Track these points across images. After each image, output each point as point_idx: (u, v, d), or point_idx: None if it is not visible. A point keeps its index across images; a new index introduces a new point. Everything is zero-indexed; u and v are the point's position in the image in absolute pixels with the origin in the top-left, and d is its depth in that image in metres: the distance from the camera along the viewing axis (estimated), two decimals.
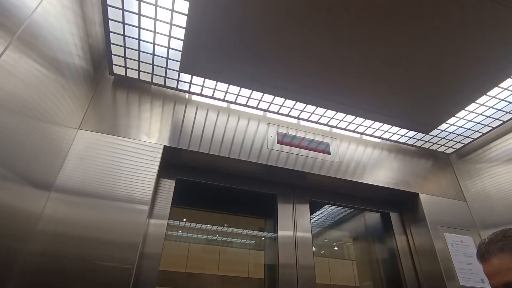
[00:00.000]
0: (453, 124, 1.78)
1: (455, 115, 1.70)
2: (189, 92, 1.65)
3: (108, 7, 1.21)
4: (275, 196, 1.82)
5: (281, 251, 1.63)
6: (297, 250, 1.67)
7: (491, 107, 1.64)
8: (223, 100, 1.69)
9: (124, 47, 1.39)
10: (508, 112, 1.66)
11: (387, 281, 1.91)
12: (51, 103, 1.07)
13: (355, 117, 1.75)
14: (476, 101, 1.60)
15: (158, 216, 1.49)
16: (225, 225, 2.40)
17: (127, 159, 1.39)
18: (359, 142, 1.98)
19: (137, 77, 1.56)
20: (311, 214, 1.84)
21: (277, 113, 1.77)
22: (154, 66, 1.49)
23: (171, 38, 1.34)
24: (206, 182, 1.73)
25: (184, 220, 2.19)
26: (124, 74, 1.55)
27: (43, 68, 0.97)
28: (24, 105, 0.89)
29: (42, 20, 0.89)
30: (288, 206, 1.80)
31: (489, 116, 1.70)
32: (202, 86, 1.60)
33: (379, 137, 1.96)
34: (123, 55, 1.43)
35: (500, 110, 1.65)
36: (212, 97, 1.68)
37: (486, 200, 1.85)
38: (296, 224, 1.75)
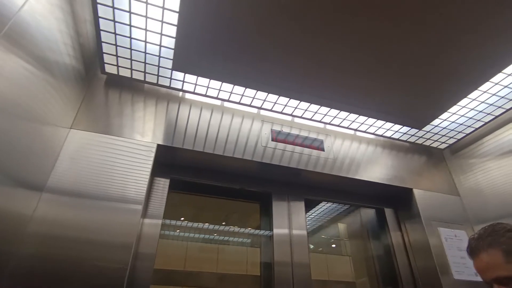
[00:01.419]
0: (446, 120, 1.79)
1: (448, 110, 1.71)
2: (182, 90, 1.64)
3: (98, 5, 1.19)
4: (269, 194, 1.81)
5: (276, 249, 1.64)
6: (292, 248, 1.67)
7: (483, 102, 1.65)
8: (217, 98, 1.69)
9: (116, 45, 1.37)
10: (500, 107, 1.67)
11: (383, 277, 1.92)
12: (40, 102, 1.05)
13: (348, 113, 1.75)
14: (468, 96, 1.61)
15: (153, 215, 1.49)
16: (223, 223, 2.39)
17: (120, 158, 1.38)
18: (353, 139, 1.98)
19: (129, 76, 1.55)
20: (307, 211, 1.84)
21: (271, 110, 1.77)
22: (147, 65, 1.48)
23: (163, 36, 1.33)
24: (201, 181, 1.72)
25: (182, 218, 2.19)
26: (116, 73, 1.53)
27: (32, 67, 0.96)
28: (12, 105, 0.87)
29: (29, 17, 0.88)
30: (283, 203, 1.80)
31: (481, 111, 1.72)
32: (195, 84, 1.59)
33: (373, 133, 1.97)
34: (114, 54, 1.42)
35: (492, 104, 1.66)
36: (205, 95, 1.67)
37: (479, 194, 1.86)
38: (291, 222, 1.75)
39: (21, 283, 1.04)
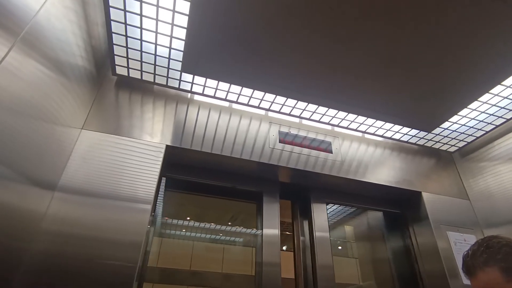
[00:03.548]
0: (456, 123, 1.78)
1: (458, 113, 1.69)
2: (191, 92, 1.66)
3: (110, 8, 1.22)
4: (260, 194, 1.79)
5: (265, 249, 1.61)
6: (316, 250, 1.69)
7: (494, 105, 1.63)
8: (225, 99, 1.70)
9: (127, 47, 1.40)
10: (511, 110, 1.65)
11: (390, 280, 1.91)
12: (54, 103, 1.08)
13: (357, 115, 1.75)
14: (479, 99, 1.59)
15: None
16: (229, 224, 2.40)
17: (130, 158, 1.41)
18: (361, 141, 1.98)
19: (139, 78, 1.57)
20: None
21: (279, 112, 1.78)
22: (156, 66, 1.50)
23: (173, 39, 1.35)
24: (199, 180, 1.73)
25: (188, 218, 2.20)
26: (126, 75, 1.56)
27: (46, 69, 0.98)
28: (27, 106, 0.90)
29: (44, 21, 0.90)
30: (274, 204, 1.77)
31: (492, 114, 1.69)
32: (204, 86, 1.60)
33: (381, 136, 1.96)
34: (125, 56, 1.44)
35: (503, 108, 1.64)
36: (214, 97, 1.68)
37: (489, 198, 1.84)
38: (314, 224, 1.77)
39: (35, 278, 1.07)
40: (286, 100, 1.66)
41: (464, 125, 1.79)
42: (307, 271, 1.70)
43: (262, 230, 1.68)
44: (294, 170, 1.72)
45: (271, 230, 1.69)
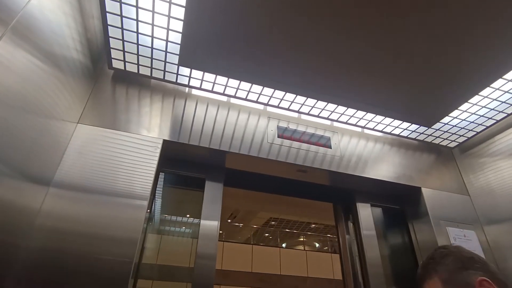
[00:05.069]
0: (456, 117, 1.76)
1: (458, 108, 1.68)
2: (188, 86, 1.64)
3: (106, 0, 1.19)
4: (203, 180, 1.70)
5: (201, 240, 1.52)
6: (365, 249, 1.73)
7: (495, 100, 1.61)
8: (223, 94, 1.68)
9: (123, 40, 1.37)
10: None
11: (389, 276, 1.90)
12: (48, 97, 1.06)
13: (356, 110, 1.73)
14: (479, 94, 1.57)
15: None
16: (228, 221, 2.38)
17: (127, 153, 1.39)
18: (360, 136, 1.96)
19: (136, 71, 1.55)
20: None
21: (278, 107, 1.75)
22: (153, 60, 1.48)
23: (170, 31, 1.32)
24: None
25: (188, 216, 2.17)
26: (123, 68, 1.53)
27: (40, 61, 0.96)
28: (20, 99, 0.88)
29: (37, 12, 0.88)
30: (216, 192, 1.68)
31: (492, 109, 1.68)
32: (202, 80, 1.58)
33: (381, 131, 1.94)
34: (121, 49, 1.42)
35: (504, 102, 1.62)
36: (211, 91, 1.66)
37: (489, 194, 1.83)
38: (361, 224, 1.81)
39: (29, 275, 1.05)
40: (285, 94, 1.64)
41: (464, 120, 1.77)
42: (356, 270, 1.74)
43: (200, 220, 1.57)
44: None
45: (209, 222, 1.58)
